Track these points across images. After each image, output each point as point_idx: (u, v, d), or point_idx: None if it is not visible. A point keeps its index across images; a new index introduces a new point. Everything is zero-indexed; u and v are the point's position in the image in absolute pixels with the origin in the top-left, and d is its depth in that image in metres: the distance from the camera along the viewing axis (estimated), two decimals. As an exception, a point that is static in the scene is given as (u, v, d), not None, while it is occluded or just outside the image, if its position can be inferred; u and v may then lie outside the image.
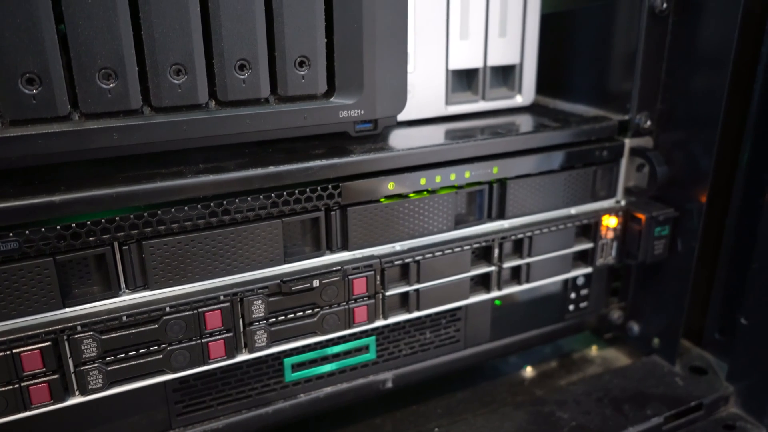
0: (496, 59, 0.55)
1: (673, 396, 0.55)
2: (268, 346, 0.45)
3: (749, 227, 0.54)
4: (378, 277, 0.47)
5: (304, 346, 0.47)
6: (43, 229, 0.37)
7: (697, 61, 0.52)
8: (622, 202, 0.58)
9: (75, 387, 0.40)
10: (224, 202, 0.41)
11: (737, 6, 0.49)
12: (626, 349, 0.65)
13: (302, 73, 0.42)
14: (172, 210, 0.40)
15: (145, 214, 0.39)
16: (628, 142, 0.56)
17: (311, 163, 0.43)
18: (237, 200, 0.41)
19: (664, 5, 0.52)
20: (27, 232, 0.36)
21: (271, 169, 0.42)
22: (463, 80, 0.56)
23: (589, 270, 0.58)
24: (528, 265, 0.54)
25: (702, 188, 0.54)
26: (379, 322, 0.49)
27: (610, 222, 0.57)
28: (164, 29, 0.37)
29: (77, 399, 0.40)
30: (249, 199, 0.42)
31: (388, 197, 0.47)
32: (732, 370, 0.57)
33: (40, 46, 0.35)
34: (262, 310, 0.43)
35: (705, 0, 0.51)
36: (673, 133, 0.55)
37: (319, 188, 0.44)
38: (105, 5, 0.36)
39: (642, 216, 0.55)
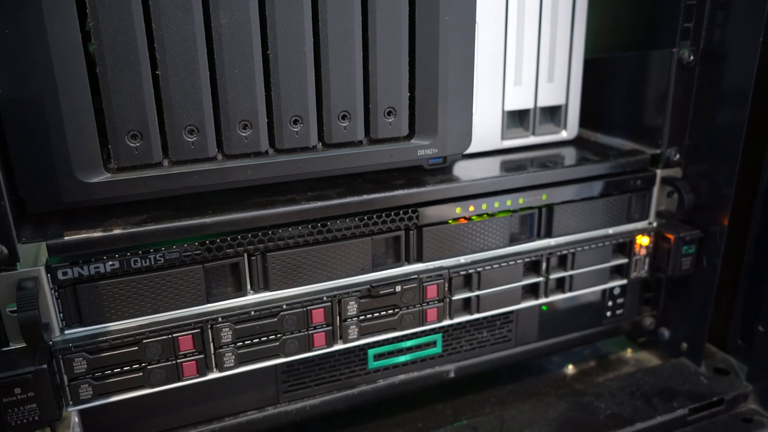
0: (544, 101, 0.65)
1: (697, 392, 0.62)
2: (358, 339, 0.55)
3: (767, 247, 0.62)
4: (446, 285, 0.57)
5: (384, 340, 0.57)
6: (196, 243, 0.48)
7: (720, 103, 0.60)
8: (654, 224, 0.66)
9: (214, 365, 0.51)
10: (328, 223, 0.52)
11: (754, 58, 0.56)
12: (657, 352, 0.72)
13: (390, 120, 0.52)
14: (289, 229, 0.51)
15: (269, 232, 0.50)
16: (659, 173, 0.64)
17: (395, 192, 0.53)
18: (337, 221, 0.52)
19: (691, 57, 0.61)
20: (185, 245, 0.48)
21: (365, 196, 0.52)
22: (516, 118, 0.65)
23: (624, 282, 0.66)
24: (571, 276, 0.62)
25: (724, 213, 0.61)
26: (446, 322, 0.58)
27: (643, 241, 0.65)
28: (288, 90, 0.48)
29: (214, 375, 0.51)
30: (347, 220, 0.52)
31: (455, 219, 0.57)
32: (751, 371, 0.64)
33: (200, 105, 0.46)
34: (355, 309, 0.54)
35: (727, 53, 0.59)
36: (699, 165, 0.63)
37: (401, 212, 0.54)
38: (247, 74, 0.46)
39: (671, 236, 0.63)
